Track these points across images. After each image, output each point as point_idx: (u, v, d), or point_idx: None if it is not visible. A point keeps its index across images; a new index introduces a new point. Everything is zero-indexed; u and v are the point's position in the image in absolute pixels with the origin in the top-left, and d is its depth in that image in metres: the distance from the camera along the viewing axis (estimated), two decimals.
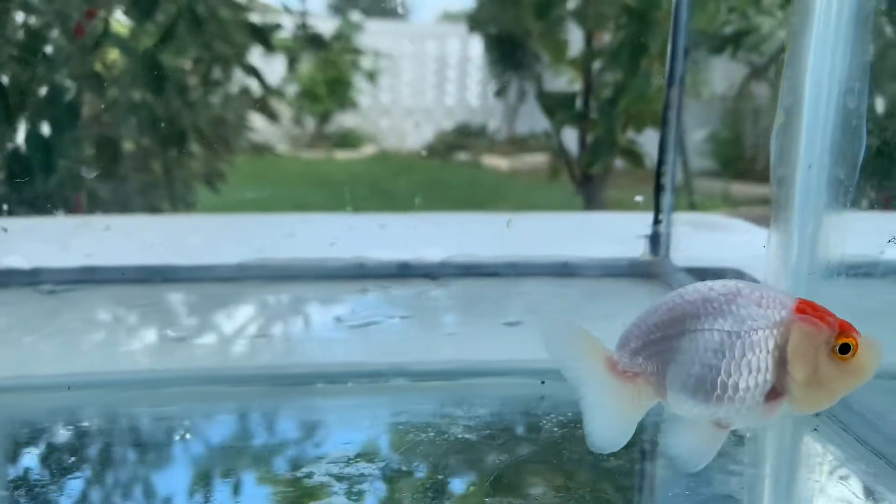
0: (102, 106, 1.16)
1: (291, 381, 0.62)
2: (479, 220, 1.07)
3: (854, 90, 0.55)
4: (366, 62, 1.63)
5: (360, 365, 0.64)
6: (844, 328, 0.39)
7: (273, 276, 0.85)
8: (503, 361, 0.65)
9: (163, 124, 1.19)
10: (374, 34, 1.61)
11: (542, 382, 0.61)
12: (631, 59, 1.38)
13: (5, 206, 0.88)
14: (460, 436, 0.53)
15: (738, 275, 0.81)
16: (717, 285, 0.40)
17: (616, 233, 0.98)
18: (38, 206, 1.04)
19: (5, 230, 0.80)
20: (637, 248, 0.88)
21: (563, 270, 0.87)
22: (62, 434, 0.53)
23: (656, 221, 0.86)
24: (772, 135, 0.59)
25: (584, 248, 0.92)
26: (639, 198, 0.88)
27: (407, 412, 0.57)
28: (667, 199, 0.85)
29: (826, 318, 0.39)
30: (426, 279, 0.86)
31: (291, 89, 1.47)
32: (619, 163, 1.48)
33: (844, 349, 0.39)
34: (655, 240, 0.86)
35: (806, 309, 0.40)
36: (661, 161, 0.85)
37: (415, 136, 1.76)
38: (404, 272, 0.87)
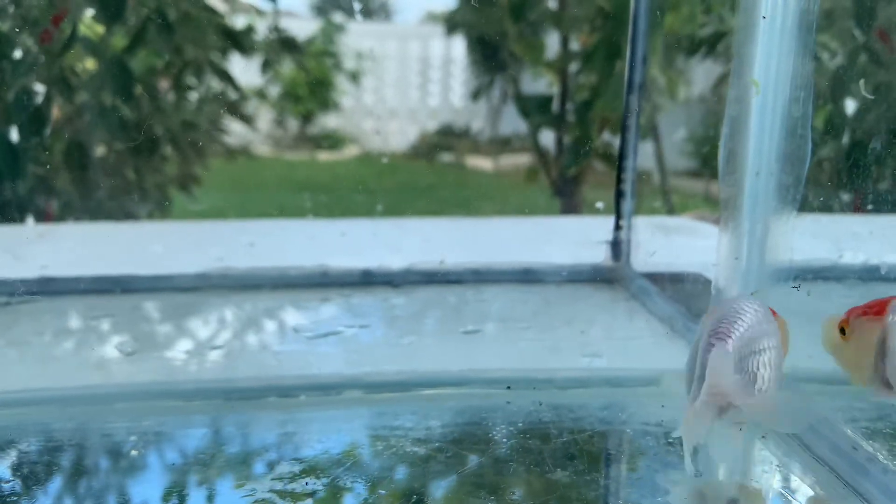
0: (72, 111, 1.15)
1: (242, 395, 0.61)
2: (445, 226, 1.07)
3: (799, 99, 0.55)
4: (349, 63, 1.62)
5: (312, 377, 0.64)
6: None
7: (234, 286, 0.84)
8: (460, 371, 0.65)
9: (134, 129, 1.18)
10: (357, 35, 1.60)
11: (508, 388, 0.61)
12: (605, 62, 1.38)
13: None
14: (409, 450, 0.53)
15: (700, 280, 0.81)
16: None
17: (581, 238, 0.98)
18: (6, 213, 1.02)
19: None
20: (597, 254, 0.88)
21: (526, 277, 0.87)
22: (10, 453, 0.53)
23: (617, 227, 0.86)
24: (719, 143, 0.59)
25: (548, 253, 0.92)
26: (600, 204, 0.88)
27: (359, 426, 0.57)
28: (627, 204, 0.85)
29: None
30: (388, 287, 0.86)
31: (273, 91, 1.46)
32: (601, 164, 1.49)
33: None
34: (616, 245, 0.87)
35: None
36: (620, 167, 0.85)
37: (398, 137, 1.76)
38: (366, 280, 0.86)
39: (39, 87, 1.05)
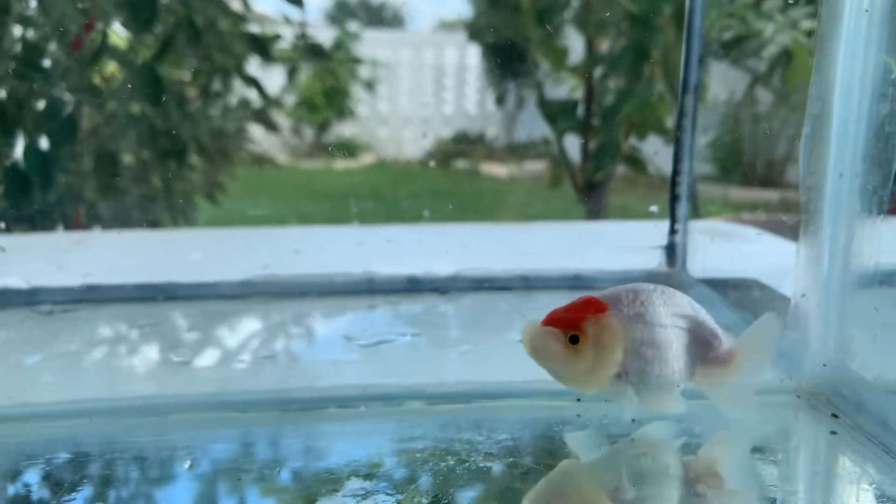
0: (101, 119, 1.14)
1: (301, 406, 0.59)
2: (485, 232, 1.05)
3: (887, 95, 0.53)
4: (364, 71, 1.62)
5: (371, 387, 0.61)
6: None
7: (278, 293, 0.82)
8: (524, 382, 0.62)
9: (162, 137, 1.17)
10: (371, 43, 1.60)
11: (578, 400, 0.58)
12: (633, 66, 1.36)
13: (2, 224, 0.86)
14: (482, 464, 0.50)
15: (758, 286, 0.79)
16: None
17: (625, 243, 0.96)
18: (36, 222, 1.02)
19: (3, 249, 0.77)
20: (649, 259, 0.85)
21: (576, 283, 0.85)
22: (63, 466, 0.51)
23: (672, 231, 0.84)
24: (800, 143, 0.56)
25: (595, 259, 0.89)
26: (654, 208, 0.85)
27: (426, 438, 0.54)
28: (682, 208, 0.83)
29: None
30: (435, 294, 0.83)
31: (290, 99, 1.45)
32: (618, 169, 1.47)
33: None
34: (671, 250, 0.84)
35: None
36: (676, 169, 0.82)
37: (413, 144, 1.75)
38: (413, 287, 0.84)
39: (67, 96, 1.04)
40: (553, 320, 0.48)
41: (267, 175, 1.40)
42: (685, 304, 0.51)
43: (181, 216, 1.24)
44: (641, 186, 1.46)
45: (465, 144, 1.79)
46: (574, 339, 0.47)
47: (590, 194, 1.57)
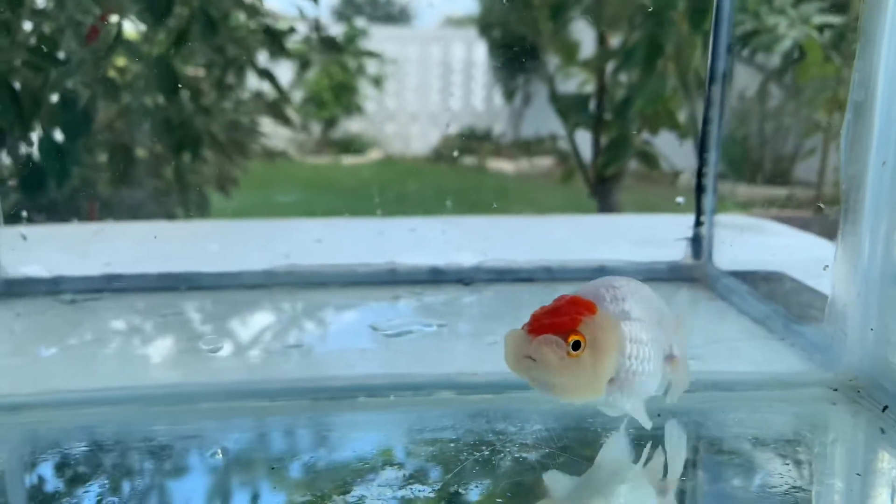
0: (115, 112, 1.14)
1: (330, 395, 0.58)
2: (507, 224, 1.04)
3: None
4: (371, 67, 1.62)
5: (400, 377, 0.61)
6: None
7: (300, 283, 0.82)
8: None
9: (176, 129, 1.16)
10: (378, 40, 1.59)
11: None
12: (646, 60, 1.34)
13: (24, 214, 0.86)
14: (517, 455, 0.50)
15: (787, 279, 0.78)
16: None
17: (648, 235, 0.95)
18: (52, 212, 1.01)
19: (24, 238, 0.77)
20: (675, 251, 0.84)
21: (600, 275, 0.84)
22: (85, 454, 0.50)
23: (698, 223, 0.83)
24: (841, 131, 0.55)
25: (619, 251, 0.88)
26: (680, 199, 0.84)
27: (458, 429, 0.54)
28: (709, 199, 0.82)
29: None
30: (459, 284, 0.83)
31: (298, 95, 1.45)
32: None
33: None
34: (697, 242, 0.83)
35: None
36: (702, 161, 0.81)
37: (420, 140, 1.75)
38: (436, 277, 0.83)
39: (82, 88, 1.03)
40: (546, 326, 0.43)
41: (277, 169, 1.40)
42: (653, 296, 0.49)
43: (195, 208, 1.24)
44: (652, 181, 1.45)
45: (473, 140, 1.78)
46: (577, 346, 0.42)
47: (601, 189, 1.56)
